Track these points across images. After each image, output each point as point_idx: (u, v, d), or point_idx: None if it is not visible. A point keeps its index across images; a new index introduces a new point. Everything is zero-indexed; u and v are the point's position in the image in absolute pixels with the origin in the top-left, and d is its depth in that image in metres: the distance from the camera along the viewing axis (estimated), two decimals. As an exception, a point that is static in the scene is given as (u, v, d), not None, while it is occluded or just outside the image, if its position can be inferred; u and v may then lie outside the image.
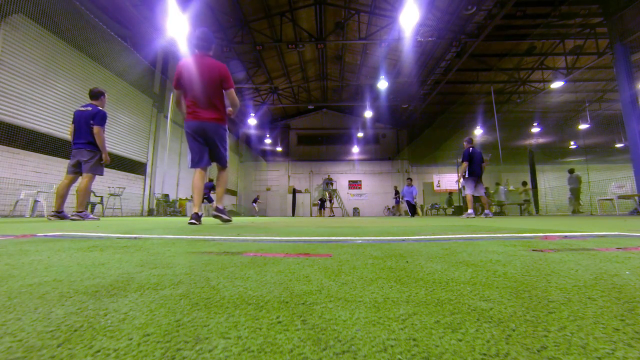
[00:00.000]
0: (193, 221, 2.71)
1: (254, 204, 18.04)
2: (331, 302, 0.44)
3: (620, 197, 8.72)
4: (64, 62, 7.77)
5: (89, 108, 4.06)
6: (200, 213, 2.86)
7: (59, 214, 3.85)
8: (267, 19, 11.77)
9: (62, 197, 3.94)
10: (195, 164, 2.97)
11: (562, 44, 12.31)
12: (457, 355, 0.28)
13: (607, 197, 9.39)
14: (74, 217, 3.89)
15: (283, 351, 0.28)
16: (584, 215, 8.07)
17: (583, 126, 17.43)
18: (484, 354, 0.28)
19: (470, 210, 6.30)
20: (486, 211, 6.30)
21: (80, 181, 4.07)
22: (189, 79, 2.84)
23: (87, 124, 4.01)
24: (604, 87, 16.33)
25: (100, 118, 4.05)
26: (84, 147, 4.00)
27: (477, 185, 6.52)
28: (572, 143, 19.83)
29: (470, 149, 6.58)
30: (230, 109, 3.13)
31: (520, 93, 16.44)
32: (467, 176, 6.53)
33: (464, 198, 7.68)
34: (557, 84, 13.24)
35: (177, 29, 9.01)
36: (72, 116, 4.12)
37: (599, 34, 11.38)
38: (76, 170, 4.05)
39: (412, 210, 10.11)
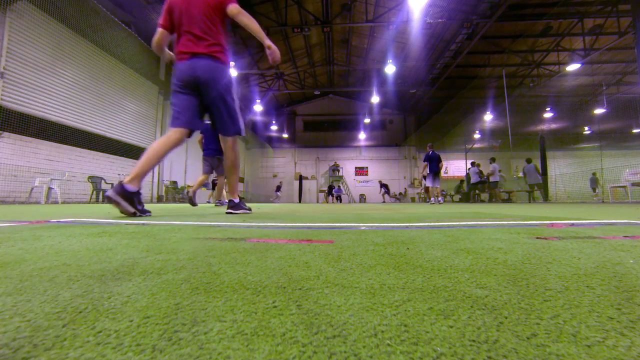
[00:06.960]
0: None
1: (278, 192, 19.28)
2: (328, 287, 0.45)
3: (634, 184, 8.49)
4: (70, 50, 7.76)
5: None
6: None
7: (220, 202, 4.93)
8: (271, 1, 11.45)
9: (219, 189, 5.09)
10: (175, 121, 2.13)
11: (581, 23, 11.70)
12: (446, 341, 0.28)
13: (621, 185, 9.16)
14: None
15: (275, 334, 0.29)
16: (595, 203, 7.92)
17: (598, 110, 16.78)
18: (473, 341, 0.28)
19: (432, 199, 8.02)
20: (440, 199, 8.06)
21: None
22: (180, 10, 2.18)
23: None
24: (622, 70, 15.61)
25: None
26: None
27: (434, 179, 8.12)
28: (586, 129, 19.15)
29: (430, 152, 8.08)
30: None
31: (533, 76, 15.85)
32: (427, 173, 8.15)
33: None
34: (573, 66, 12.68)
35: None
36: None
37: (621, 12, 10.77)
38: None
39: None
